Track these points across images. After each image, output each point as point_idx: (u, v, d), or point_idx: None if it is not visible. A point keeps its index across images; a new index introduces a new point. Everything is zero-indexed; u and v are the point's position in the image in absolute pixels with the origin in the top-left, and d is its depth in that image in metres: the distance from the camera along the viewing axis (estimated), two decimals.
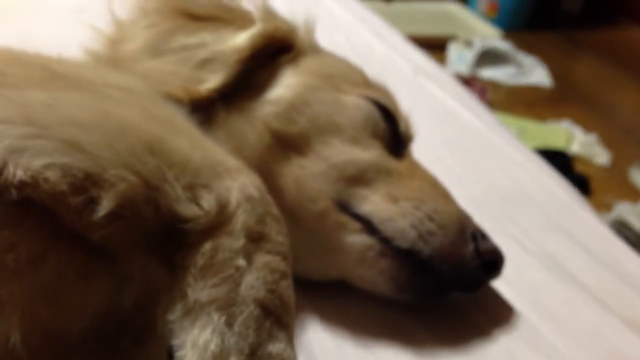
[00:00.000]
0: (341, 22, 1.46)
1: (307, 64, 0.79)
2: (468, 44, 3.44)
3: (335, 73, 0.80)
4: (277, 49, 0.78)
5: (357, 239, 0.72)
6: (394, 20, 1.56)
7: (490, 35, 3.58)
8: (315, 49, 0.83)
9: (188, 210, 0.46)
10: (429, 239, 0.71)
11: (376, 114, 0.77)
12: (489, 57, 3.37)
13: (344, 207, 0.72)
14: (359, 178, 0.73)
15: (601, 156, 2.81)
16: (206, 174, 0.49)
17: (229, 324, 0.43)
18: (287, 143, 0.73)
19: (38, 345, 0.46)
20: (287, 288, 0.49)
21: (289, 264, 0.51)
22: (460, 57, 3.36)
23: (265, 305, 0.46)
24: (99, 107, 0.49)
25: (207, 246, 0.46)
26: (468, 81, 2.96)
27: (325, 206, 0.72)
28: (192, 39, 0.73)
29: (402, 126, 0.81)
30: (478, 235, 0.73)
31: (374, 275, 0.72)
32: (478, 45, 3.38)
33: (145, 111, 0.53)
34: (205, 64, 0.72)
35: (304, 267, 0.75)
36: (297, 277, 0.74)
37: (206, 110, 0.70)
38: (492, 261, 0.73)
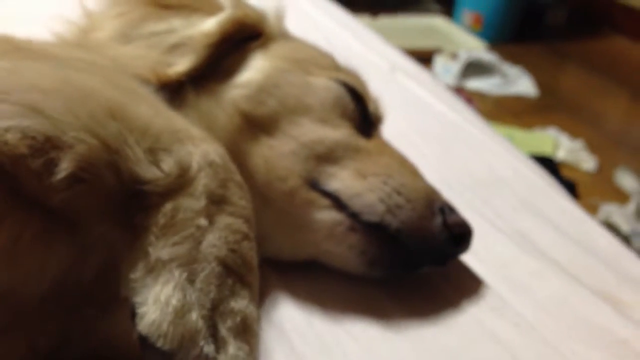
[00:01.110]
0: (320, 25, 1.48)
1: (277, 48, 0.81)
2: (453, 56, 3.47)
3: (305, 57, 0.81)
4: (246, 35, 0.79)
5: (326, 215, 0.72)
6: (380, 35, 1.58)
7: (475, 48, 3.62)
8: (285, 36, 0.85)
9: (148, 172, 0.46)
10: (397, 212, 0.71)
11: (345, 95, 0.78)
12: (474, 68, 3.40)
13: (313, 184, 0.73)
14: (327, 156, 0.73)
15: (587, 162, 2.82)
16: (167, 138, 0.49)
17: (191, 280, 0.44)
18: (257, 124, 0.74)
19: None
20: (249, 249, 0.49)
21: (252, 227, 0.52)
22: (446, 69, 3.39)
23: (227, 264, 0.46)
24: (60, 74, 0.50)
25: (168, 206, 0.46)
26: (454, 92, 2.97)
27: (295, 184, 0.73)
28: (162, 25, 0.75)
29: (371, 107, 0.82)
30: (446, 209, 0.74)
31: (344, 250, 0.73)
32: (463, 57, 3.41)
33: (108, 80, 0.54)
34: (175, 48, 0.73)
35: (275, 246, 0.76)
36: (269, 257, 0.76)
37: (176, 93, 0.71)
38: (461, 234, 0.74)
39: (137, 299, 0.43)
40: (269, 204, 0.73)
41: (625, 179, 2.63)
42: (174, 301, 0.42)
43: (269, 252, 0.76)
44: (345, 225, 0.72)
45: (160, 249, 0.44)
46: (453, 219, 0.74)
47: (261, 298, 0.74)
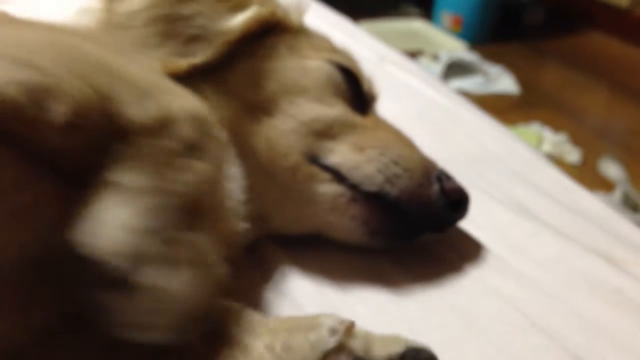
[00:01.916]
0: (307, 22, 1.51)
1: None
2: (435, 57, 3.53)
3: (302, 42, 0.85)
4: (266, 29, 0.81)
5: (328, 188, 0.76)
6: None
7: (456, 49, 3.68)
8: (305, 31, 0.87)
9: (133, 113, 0.49)
10: (396, 181, 0.75)
11: (337, 74, 0.82)
12: (456, 68, 3.46)
13: (313, 159, 0.76)
14: (325, 132, 0.77)
15: (572, 154, 2.88)
16: (152, 90, 0.52)
17: (151, 208, 0.46)
18: (257, 107, 0.77)
19: (13, 275, 0.47)
20: (216, 194, 0.53)
21: (222, 178, 0.56)
22: (428, 70, 3.44)
23: (190, 200, 0.48)
24: (52, 36, 0.53)
25: (142, 141, 0.49)
26: None
27: (296, 160, 0.76)
28: (186, 10, 0.75)
29: (365, 86, 0.85)
30: (442, 176, 0.77)
31: (347, 221, 0.76)
32: (445, 57, 3.47)
33: (99, 43, 0.57)
34: (194, 40, 0.74)
35: (281, 222, 0.79)
36: (276, 232, 0.79)
37: (184, 79, 0.74)
38: (458, 199, 0.78)
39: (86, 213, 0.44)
40: (273, 181, 0.76)
41: (609, 168, 2.68)
42: (132, 222, 0.44)
43: (276, 227, 0.79)
44: (347, 196, 0.75)
45: (121, 175, 0.46)
46: (450, 185, 0.77)
47: (270, 272, 0.78)
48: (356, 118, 0.80)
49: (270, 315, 0.65)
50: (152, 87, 0.53)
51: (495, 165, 1.02)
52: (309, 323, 0.51)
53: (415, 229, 0.77)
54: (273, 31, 0.82)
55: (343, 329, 0.50)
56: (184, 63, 0.72)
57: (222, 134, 0.58)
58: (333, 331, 0.50)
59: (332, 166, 0.76)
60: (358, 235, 0.77)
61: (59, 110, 0.45)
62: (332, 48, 0.87)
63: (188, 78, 0.73)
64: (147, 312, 0.43)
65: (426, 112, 1.18)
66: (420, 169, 0.77)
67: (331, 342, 0.49)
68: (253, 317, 0.57)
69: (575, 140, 2.97)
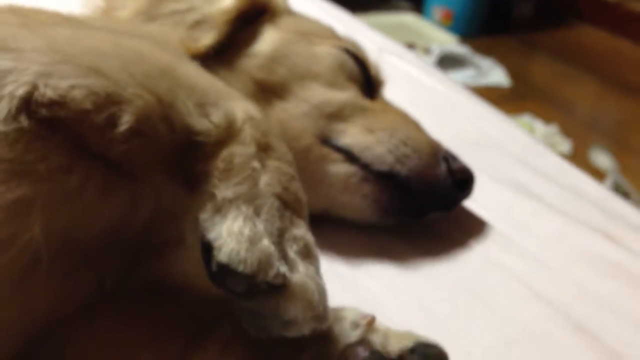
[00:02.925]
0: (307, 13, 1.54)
1: (284, 22, 0.87)
2: (426, 51, 3.56)
3: (308, 29, 0.88)
4: (257, 12, 0.85)
5: (340, 168, 0.79)
6: None
7: (447, 42, 3.71)
8: (289, 11, 0.91)
9: (200, 123, 0.51)
10: (405, 161, 0.78)
11: (348, 60, 0.85)
12: (447, 61, 3.49)
13: (326, 141, 0.79)
14: (337, 115, 0.80)
15: (563, 145, 2.92)
16: (213, 95, 0.54)
17: (257, 212, 0.48)
18: (270, 90, 0.80)
19: (58, 249, 0.50)
20: (298, 188, 0.54)
21: (295, 170, 0.57)
22: None
23: (283, 199, 0.51)
24: (114, 39, 0.55)
25: (225, 153, 0.51)
26: None
27: (309, 142, 0.79)
28: (182, 4, 0.80)
29: (372, 71, 0.89)
30: (449, 157, 0.81)
31: (359, 200, 0.79)
32: (436, 51, 3.50)
33: (155, 46, 0.60)
34: (196, 25, 0.78)
35: None
36: None
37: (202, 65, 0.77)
38: (464, 179, 0.81)
39: (210, 235, 0.47)
40: None
41: (600, 158, 2.73)
42: (246, 231, 0.46)
43: None
44: (359, 176, 0.78)
45: (225, 190, 0.48)
46: (456, 165, 0.81)
47: None
48: (366, 102, 0.83)
49: None
50: (213, 92, 0.54)
51: (495, 149, 1.05)
52: (333, 316, 0.52)
53: (424, 207, 0.81)
54: (265, 14, 0.85)
55: (365, 323, 0.52)
56: (196, 46, 0.76)
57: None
58: (355, 325, 0.52)
59: (344, 147, 0.79)
60: (369, 214, 0.80)
61: (123, 118, 0.47)
62: (336, 35, 0.90)
63: (205, 63, 0.77)
64: (292, 310, 0.45)
65: (426, 100, 1.22)
66: (428, 149, 0.80)
67: (353, 336, 0.51)
68: None
69: (566, 131, 3.01)
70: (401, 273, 0.78)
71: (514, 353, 0.67)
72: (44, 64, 0.47)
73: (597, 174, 2.69)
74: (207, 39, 0.77)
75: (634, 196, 2.49)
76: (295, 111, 0.80)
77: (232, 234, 0.46)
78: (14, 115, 0.45)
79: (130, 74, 0.49)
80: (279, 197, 0.51)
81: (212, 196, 0.48)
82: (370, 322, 0.52)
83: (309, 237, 0.51)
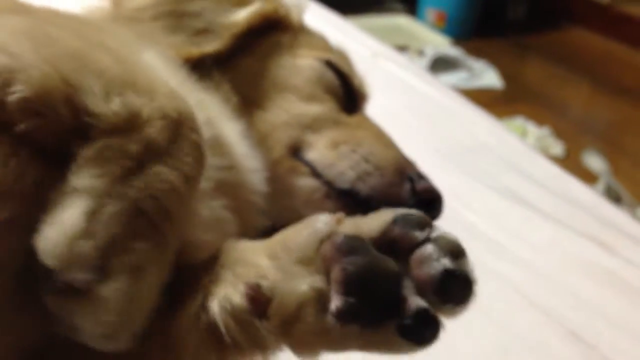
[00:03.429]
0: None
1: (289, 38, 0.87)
2: (420, 53, 3.57)
3: (297, 41, 0.88)
4: (270, 26, 0.83)
5: (306, 182, 0.78)
6: None
7: (440, 44, 3.72)
8: (303, 27, 0.90)
9: (96, 107, 0.48)
10: (367, 179, 0.76)
11: (328, 73, 0.84)
12: (441, 64, 3.50)
13: (296, 153, 0.79)
14: (309, 127, 0.79)
15: (555, 147, 2.93)
16: (123, 85, 0.51)
17: (96, 211, 0.46)
18: (252, 101, 0.80)
19: None
20: (175, 201, 0.51)
21: (191, 187, 0.53)
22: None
23: (141, 207, 0.48)
24: (31, 23, 0.54)
25: (102, 142, 0.48)
26: None
27: (280, 154, 0.78)
28: (192, 6, 0.78)
29: (355, 84, 0.88)
30: (414, 176, 0.76)
31: None
32: (430, 53, 3.51)
33: (79, 34, 0.58)
34: (201, 33, 0.77)
35: (268, 214, 0.82)
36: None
37: (200, 68, 0.77)
38: (429, 199, 0.76)
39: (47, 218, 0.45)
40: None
41: (592, 160, 2.74)
42: (71, 226, 0.44)
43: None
44: (322, 191, 0.77)
45: (78, 178, 0.46)
46: (422, 185, 0.76)
47: None
48: (341, 116, 0.82)
49: None
50: (129, 83, 0.52)
51: (487, 155, 1.06)
52: (303, 224, 0.51)
53: None
54: (274, 29, 0.84)
55: (334, 219, 0.50)
56: (195, 51, 0.75)
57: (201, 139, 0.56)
58: (324, 223, 0.50)
59: (309, 162, 0.78)
60: None
61: (17, 90, 0.46)
62: (327, 47, 0.89)
63: (201, 66, 0.76)
64: (80, 319, 0.44)
65: (420, 106, 1.22)
66: (392, 167, 0.76)
67: (324, 230, 0.49)
68: (250, 242, 0.57)
69: (558, 133, 3.02)
70: None
71: None
72: None
73: (590, 177, 2.70)
74: (209, 47, 0.77)
75: (626, 199, 2.50)
76: (271, 122, 0.79)
77: (59, 224, 0.45)
78: None
79: (37, 53, 0.48)
80: (136, 203, 0.48)
81: (66, 181, 0.47)
82: (340, 218, 0.51)
83: (150, 255, 0.48)
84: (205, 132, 0.60)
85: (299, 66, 0.83)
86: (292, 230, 0.53)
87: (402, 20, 4.06)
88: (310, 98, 0.80)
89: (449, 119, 1.18)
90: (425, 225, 0.49)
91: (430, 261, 0.47)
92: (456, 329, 0.70)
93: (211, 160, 0.63)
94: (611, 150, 2.94)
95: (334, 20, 1.60)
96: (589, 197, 0.98)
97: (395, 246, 0.48)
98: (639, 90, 3.54)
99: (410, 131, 1.10)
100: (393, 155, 0.79)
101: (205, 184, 0.62)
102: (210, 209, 0.63)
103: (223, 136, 0.68)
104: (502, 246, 0.83)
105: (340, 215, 0.51)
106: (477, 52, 3.68)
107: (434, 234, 0.49)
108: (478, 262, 0.79)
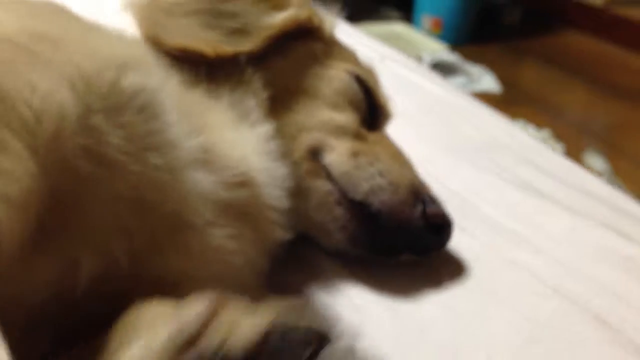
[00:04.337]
0: None
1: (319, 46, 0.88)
2: (418, 59, 3.59)
3: (329, 52, 0.89)
4: (302, 31, 0.85)
5: (321, 185, 0.78)
6: None
7: (437, 50, 3.75)
8: (333, 38, 0.91)
9: None
10: (379, 193, 0.77)
11: (355, 86, 0.86)
12: (438, 69, 3.52)
13: (315, 155, 0.80)
14: (333, 132, 0.80)
15: (556, 149, 2.95)
16: None
17: None
18: (280, 102, 0.81)
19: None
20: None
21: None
22: None
23: None
24: None
25: None
26: None
27: (302, 155, 0.79)
28: (230, 7, 0.80)
29: (380, 101, 0.89)
30: (427, 200, 0.78)
31: (329, 222, 0.78)
32: (427, 59, 3.53)
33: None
34: (237, 32, 0.79)
35: None
36: None
37: (232, 67, 0.78)
38: (438, 224, 0.78)
39: None
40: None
41: (594, 160, 2.76)
42: None
43: None
44: (335, 196, 0.77)
45: None
46: (433, 209, 0.78)
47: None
48: (362, 130, 0.83)
49: None
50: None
51: (500, 151, 1.07)
52: (173, 311, 0.49)
53: (393, 244, 0.78)
54: (307, 36, 0.86)
55: (208, 310, 0.46)
56: (229, 49, 0.77)
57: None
58: (195, 316, 0.46)
59: (327, 165, 0.79)
60: (338, 239, 0.79)
61: None
62: (356, 62, 0.91)
63: (234, 63, 0.77)
64: None
65: (431, 105, 1.24)
66: (406, 187, 0.78)
67: (189, 330, 0.45)
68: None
69: (557, 135, 3.04)
70: (417, 278, 0.79)
71: (536, 350, 0.68)
72: None
73: None
74: (243, 46, 0.78)
75: None
76: (298, 123, 0.80)
77: None
78: None
79: None
80: None
81: None
82: (216, 310, 0.45)
83: None
84: (193, 141, 0.61)
85: (329, 76, 0.85)
86: (161, 315, 0.50)
87: (398, 28, 4.08)
88: (335, 107, 0.82)
89: (460, 117, 1.20)
90: (309, 343, 0.44)
91: None
92: (479, 320, 0.71)
93: (211, 176, 0.64)
94: (610, 151, 2.97)
95: (342, 27, 1.62)
96: (603, 189, 0.99)
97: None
98: (635, 91, 3.56)
99: (423, 130, 1.12)
100: (408, 175, 0.80)
101: (206, 208, 0.62)
102: (211, 240, 0.63)
103: (223, 147, 0.67)
104: (522, 237, 0.85)
105: (220, 302, 0.47)
106: (473, 58, 3.70)
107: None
108: (496, 253, 0.80)
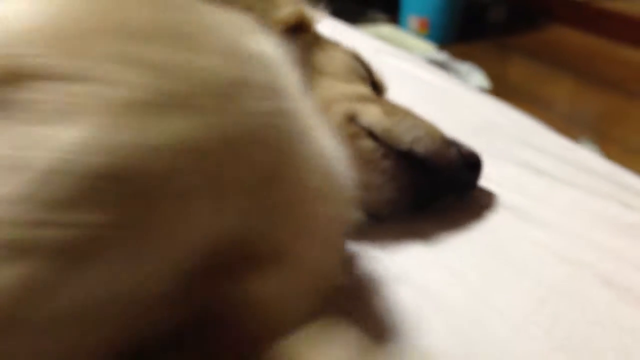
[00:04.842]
0: None
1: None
2: None
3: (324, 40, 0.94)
4: (297, 28, 0.90)
5: (366, 143, 0.83)
6: None
7: (426, 50, 3.78)
8: (319, 34, 0.96)
9: None
10: (420, 142, 0.82)
11: (356, 63, 0.92)
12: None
13: (352, 120, 0.84)
14: (359, 100, 0.85)
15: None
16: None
17: None
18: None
19: None
20: None
21: None
22: None
23: None
24: None
25: None
26: None
27: (340, 119, 0.83)
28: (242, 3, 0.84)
29: (376, 77, 0.95)
30: (457, 143, 0.86)
31: (378, 176, 0.82)
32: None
33: None
34: None
35: None
36: None
37: None
38: (474, 162, 0.86)
39: None
40: None
41: (586, 149, 2.81)
42: None
43: None
44: (381, 152, 0.83)
45: None
46: (466, 150, 0.86)
47: None
48: (378, 97, 0.88)
49: None
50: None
51: (500, 134, 1.10)
52: None
53: (440, 188, 0.85)
54: (299, 30, 0.91)
55: None
56: None
57: None
58: None
59: (367, 126, 0.83)
60: (388, 191, 0.83)
61: None
62: (342, 47, 0.96)
63: None
64: None
65: (425, 93, 1.27)
66: (438, 133, 0.85)
67: None
68: None
69: (548, 127, 3.08)
70: (429, 249, 0.82)
71: (547, 310, 0.71)
72: None
73: None
74: None
75: None
76: (324, 97, 0.85)
77: None
78: None
79: None
80: None
81: None
82: None
83: None
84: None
85: (331, 56, 0.89)
86: None
87: (386, 30, 4.11)
88: (348, 81, 0.87)
89: (456, 103, 1.23)
90: None
91: None
92: (492, 285, 0.74)
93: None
94: (599, 139, 3.01)
95: (331, 23, 1.65)
96: (603, 165, 1.02)
97: None
98: (621, 82, 3.61)
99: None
100: (433, 125, 0.86)
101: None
102: None
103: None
104: (528, 212, 0.87)
105: None
106: (462, 56, 3.74)
107: None
108: (505, 227, 0.83)
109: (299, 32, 0.90)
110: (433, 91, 1.27)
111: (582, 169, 0.99)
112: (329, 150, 0.61)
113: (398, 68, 1.37)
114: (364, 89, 0.89)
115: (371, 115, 0.84)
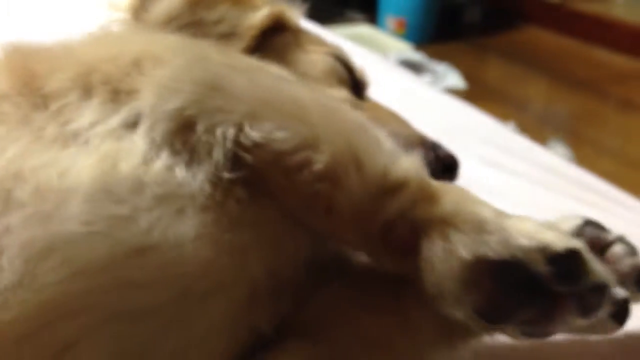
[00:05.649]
0: None
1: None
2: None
3: (303, 39, 0.96)
4: (278, 28, 0.91)
5: None
6: None
7: (402, 50, 3.82)
8: (299, 27, 0.98)
9: (377, 177, 0.56)
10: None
11: (338, 65, 0.93)
12: (405, 69, 3.59)
13: None
14: None
15: None
16: (390, 156, 0.60)
17: None
18: None
19: (267, 284, 0.54)
20: None
21: None
22: None
23: None
24: (312, 95, 0.60)
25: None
26: None
27: None
28: (213, 15, 0.85)
29: (358, 75, 0.96)
30: (435, 146, 0.87)
31: None
32: (393, 59, 3.61)
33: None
34: (226, 37, 0.84)
35: None
36: None
37: None
38: (450, 164, 0.87)
39: None
40: None
41: (557, 148, 2.86)
42: None
43: None
44: None
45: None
46: (443, 152, 0.87)
47: None
48: (357, 101, 0.90)
49: None
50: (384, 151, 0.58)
51: (462, 134, 1.13)
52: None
53: None
54: (280, 30, 0.92)
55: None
56: None
57: None
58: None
59: None
60: None
61: (317, 160, 0.51)
62: (325, 43, 0.97)
63: None
64: None
65: (395, 97, 1.28)
66: (416, 138, 0.86)
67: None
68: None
69: (521, 127, 3.13)
70: None
71: None
72: (250, 105, 0.52)
73: None
74: (235, 48, 0.83)
75: None
76: None
77: None
78: (229, 163, 0.50)
79: (326, 127, 0.54)
80: None
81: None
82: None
83: None
84: None
85: (312, 60, 0.91)
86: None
87: (363, 30, 4.15)
88: (328, 86, 0.88)
89: (423, 107, 1.26)
90: (607, 230, 0.58)
91: (624, 258, 0.56)
92: None
93: None
94: (571, 139, 3.06)
95: (306, 26, 1.67)
96: (562, 164, 1.06)
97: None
98: (594, 82, 3.68)
99: None
100: (412, 130, 0.88)
101: None
102: None
103: None
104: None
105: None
106: (438, 56, 3.79)
107: (614, 236, 0.58)
108: None
109: (278, 32, 0.91)
110: (402, 96, 1.30)
111: (543, 167, 1.03)
112: None
113: (370, 72, 1.40)
114: (344, 93, 0.90)
115: None
